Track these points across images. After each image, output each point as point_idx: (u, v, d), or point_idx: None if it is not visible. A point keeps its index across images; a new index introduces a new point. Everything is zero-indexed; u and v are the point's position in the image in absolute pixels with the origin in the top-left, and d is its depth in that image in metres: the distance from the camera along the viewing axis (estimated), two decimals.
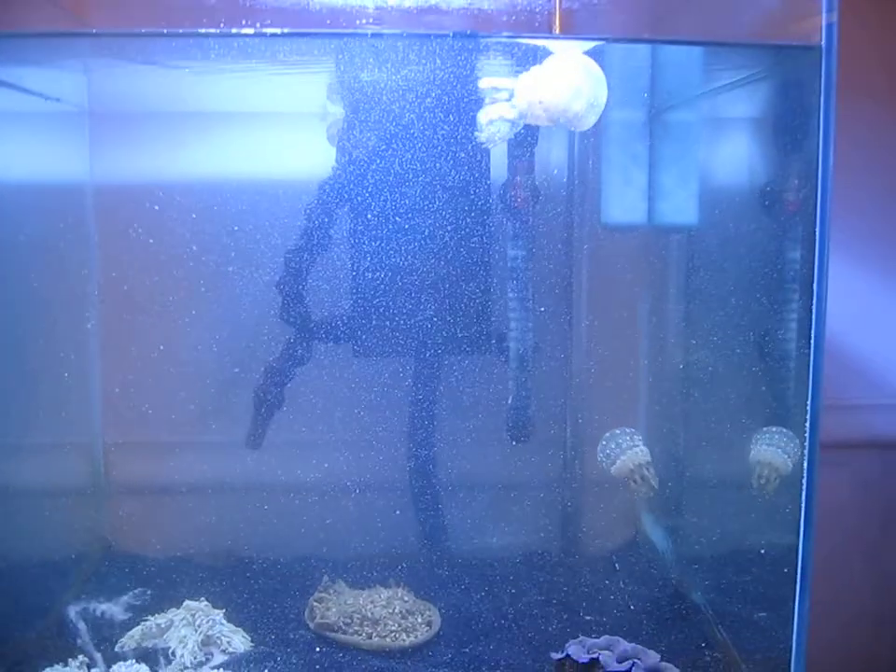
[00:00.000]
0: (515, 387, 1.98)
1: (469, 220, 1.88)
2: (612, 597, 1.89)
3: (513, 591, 1.91)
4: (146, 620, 1.72)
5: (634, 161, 2.03)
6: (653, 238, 2.09)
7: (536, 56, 1.56)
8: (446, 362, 1.98)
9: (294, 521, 2.00)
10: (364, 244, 1.88)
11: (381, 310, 1.90)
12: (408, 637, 1.71)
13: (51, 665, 1.54)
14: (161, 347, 1.97)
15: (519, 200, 1.92)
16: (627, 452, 1.85)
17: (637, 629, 1.70)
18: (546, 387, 2.03)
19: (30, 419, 1.86)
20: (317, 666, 1.64)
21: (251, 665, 1.61)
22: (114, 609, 1.80)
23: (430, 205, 1.85)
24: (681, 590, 1.94)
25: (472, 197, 1.87)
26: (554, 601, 1.88)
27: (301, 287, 1.91)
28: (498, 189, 1.91)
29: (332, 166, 1.88)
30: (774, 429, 1.55)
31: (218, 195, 1.94)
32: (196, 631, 1.68)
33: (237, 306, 1.96)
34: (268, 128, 1.98)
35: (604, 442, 1.88)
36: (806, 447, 1.40)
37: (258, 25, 1.42)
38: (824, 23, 1.28)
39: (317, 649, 1.70)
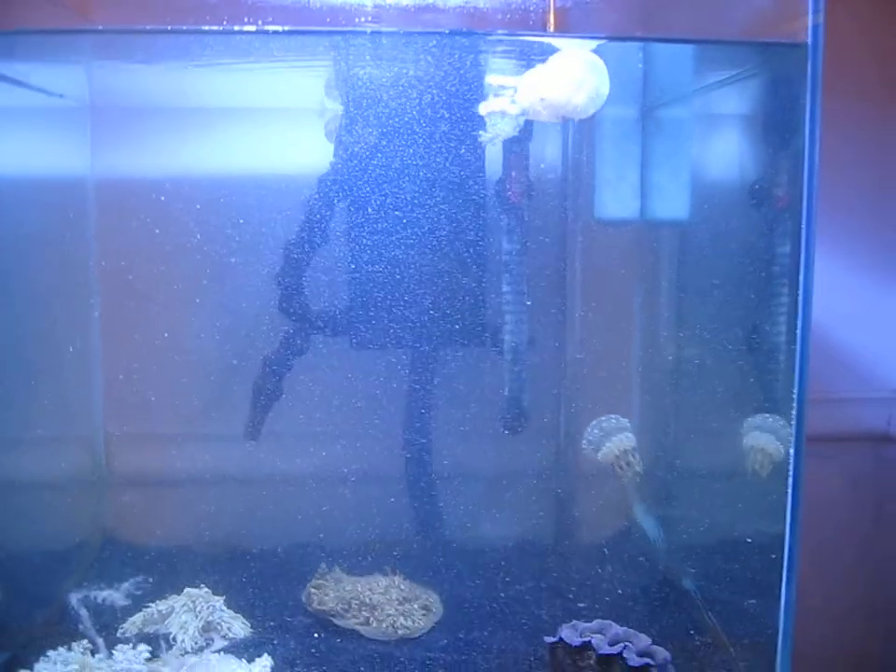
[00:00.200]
0: (510, 379, 2.00)
1: (464, 215, 1.90)
2: (605, 584, 1.91)
3: (508, 578, 1.93)
4: (147, 606, 1.75)
5: (626, 157, 2.05)
6: (646, 232, 2.12)
7: (537, 53, 1.59)
8: (442, 354, 2.00)
9: (292, 510, 2.03)
10: (361, 237, 1.90)
11: (378, 303, 1.92)
12: (406, 620, 1.74)
13: (55, 649, 1.56)
14: (165, 335, 1.99)
15: (513, 195, 1.94)
16: (612, 438, 1.87)
17: (628, 615, 1.72)
18: (540, 379, 2.05)
19: (33, 411, 1.87)
20: (315, 651, 1.67)
21: (251, 650, 1.63)
22: (115, 596, 1.83)
23: (426, 200, 1.87)
24: (672, 577, 1.97)
25: (467, 192, 1.89)
26: (548, 588, 1.91)
27: (299, 280, 1.93)
28: (493, 184, 1.93)
29: (330, 161, 1.90)
30: (767, 416, 1.56)
31: (218, 189, 1.96)
32: (197, 617, 1.70)
33: (237, 299, 1.98)
34: (267, 124, 2.00)
35: (589, 429, 1.91)
36: (793, 435, 1.42)
37: (259, 23, 1.45)
38: (810, 22, 1.31)
39: (315, 634, 1.73)
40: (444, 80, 1.74)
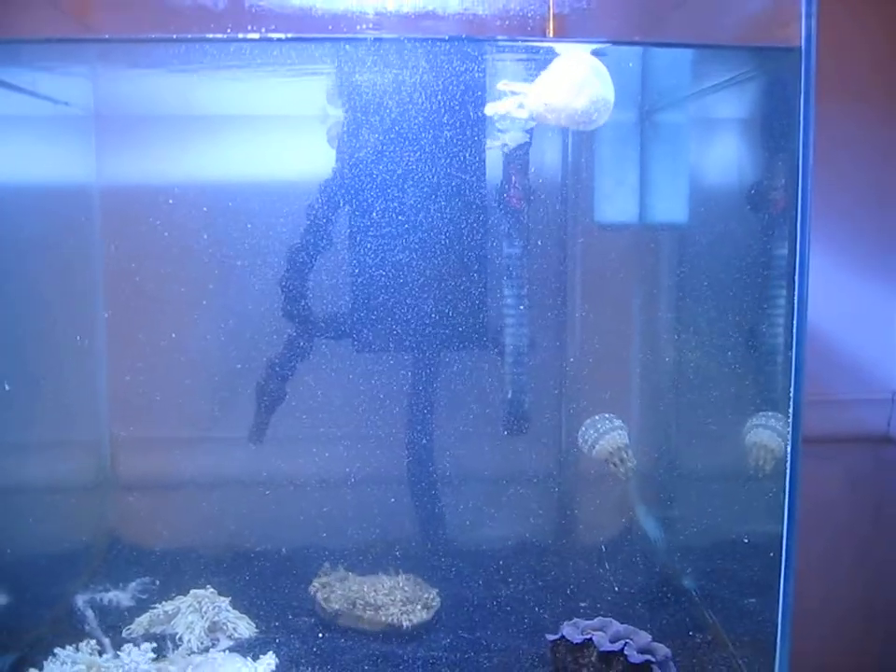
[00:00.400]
0: (511, 381, 2.02)
1: (465, 219, 1.92)
2: (606, 583, 1.93)
3: (510, 578, 1.95)
4: (153, 607, 1.77)
5: (626, 161, 2.07)
6: (645, 236, 2.14)
7: (540, 58, 1.61)
8: (444, 357, 2.02)
9: (296, 512, 2.04)
10: (363, 242, 1.92)
11: (381, 307, 1.94)
12: (408, 618, 1.75)
13: (64, 648, 1.58)
14: (170, 339, 2.01)
15: (514, 199, 1.96)
16: (606, 436, 1.89)
17: (629, 613, 1.74)
18: (541, 381, 2.07)
19: (40, 415, 1.89)
20: (319, 650, 1.69)
21: (256, 649, 1.65)
22: (121, 597, 1.85)
23: (428, 205, 1.89)
24: (672, 576, 1.99)
25: (469, 197, 1.91)
26: (550, 587, 1.92)
27: (303, 284, 1.95)
28: (494, 188, 1.95)
29: (332, 167, 1.92)
30: (770, 413, 1.57)
31: (221, 196, 1.99)
32: (203, 617, 1.72)
33: (241, 304, 1.99)
34: (270, 130, 2.02)
35: (583, 428, 1.93)
36: (790, 434, 1.43)
37: (263, 30, 1.47)
38: (803, 26, 1.33)
39: (320, 634, 1.75)
40: (444, 86, 1.76)
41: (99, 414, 2.13)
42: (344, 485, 2.02)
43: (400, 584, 1.84)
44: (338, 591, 1.80)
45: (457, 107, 1.80)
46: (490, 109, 1.59)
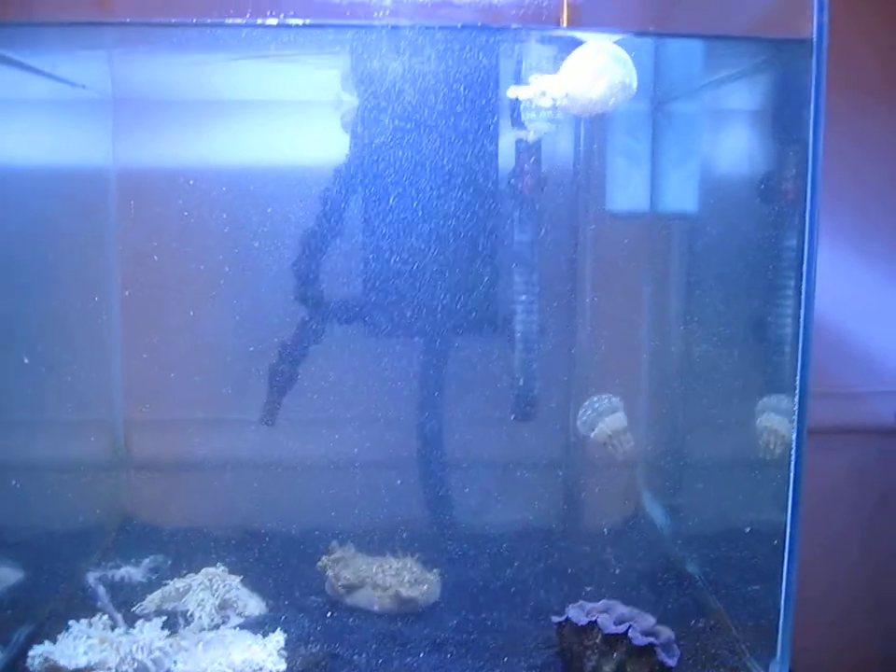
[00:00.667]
0: (520, 367, 2.04)
1: (478, 206, 1.93)
2: (611, 568, 1.95)
3: (517, 561, 1.97)
4: (165, 584, 1.79)
5: (637, 151, 2.08)
6: (655, 225, 2.15)
7: (558, 47, 1.62)
8: (454, 342, 2.04)
9: (307, 493, 2.07)
10: (376, 227, 1.93)
11: (393, 291, 1.96)
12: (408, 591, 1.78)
13: (78, 621, 1.61)
14: (184, 322, 2.04)
15: (526, 187, 1.97)
16: (605, 419, 1.91)
17: (634, 597, 1.75)
18: (550, 368, 2.09)
19: (55, 395, 1.92)
20: (327, 629, 1.71)
21: (265, 627, 1.67)
22: (134, 574, 1.87)
23: (440, 192, 1.90)
24: (677, 561, 2.01)
25: (481, 183, 1.92)
26: (556, 571, 1.94)
27: (316, 268, 1.97)
28: (507, 176, 1.96)
29: (346, 153, 1.93)
30: (784, 397, 1.56)
31: (236, 180, 2.01)
32: (213, 595, 1.74)
33: (255, 287, 2.02)
34: (285, 116, 2.04)
35: (583, 410, 1.95)
36: (795, 422, 1.44)
37: (281, 16, 1.48)
38: (815, 18, 1.34)
39: (328, 613, 1.77)
40: (458, 74, 1.77)
41: (113, 396, 2.15)
42: (354, 467, 2.04)
43: (408, 566, 1.86)
44: (347, 568, 1.82)
45: (471, 95, 1.81)
46: (512, 92, 1.60)
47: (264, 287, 2.02)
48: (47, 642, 1.53)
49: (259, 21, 1.49)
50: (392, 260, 1.94)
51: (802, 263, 1.41)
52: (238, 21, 1.50)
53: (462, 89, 1.80)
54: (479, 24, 1.69)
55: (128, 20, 1.54)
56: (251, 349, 2.04)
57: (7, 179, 1.73)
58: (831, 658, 2.33)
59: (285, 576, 1.90)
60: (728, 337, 1.89)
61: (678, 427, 2.15)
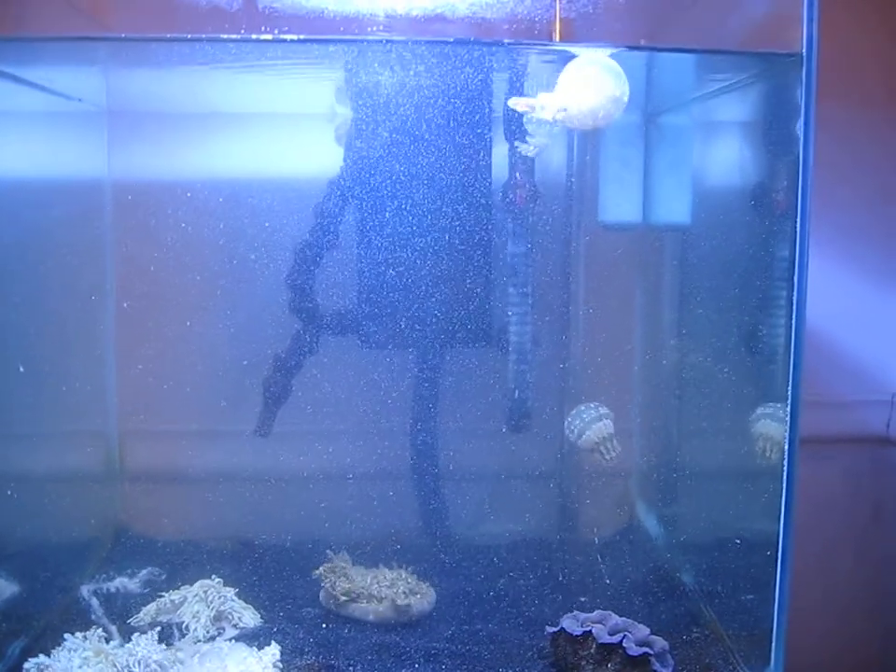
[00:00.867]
0: (514, 379, 2.04)
1: (471, 218, 1.94)
2: (606, 578, 1.95)
3: (511, 572, 1.97)
4: (161, 596, 1.79)
5: (630, 163, 2.09)
6: (648, 236, 2.16)
7: (551, 61, 1.63)
8: (448, 354, 2.04)
9: (301, 505, 2.07)
10: (370, 240, 1.94)
11: (387, 303, 1.96)
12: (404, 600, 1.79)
13: (73, 634, 1.60)
14: (179, 333, 2.04)
15: (519, 199, 1.98)
16: (592, 426, 1.92)
17: (628, 607, 1.76)
18: (544, 379, 2.09)
19: (49, 408, 1.91)
20: (323, 641, 1.71)
21: (261, 639, 1.66)
22: (129, 587, 1.87)
23: (434, 204, 1.91)
24: (671, 571, 2.01)
25: (475, 196, 1.93)
26: (550, 581, 1.94)
27: (310, 280, 1.98)
28: (500, 188, 1.97)
29: (340, 165, 1.94)
30: (779, 405, 1.58)
31: (230, 192, 2.01)
32: (209, 607, 1.74)
33: (250, 299, 2.02)
34: (279, 128, 2.04)
35: (570, 418, 1.96)
36: (787, 432, 1.45)
37: (276, 31, 1.49)
38: (804, 31, 1.35)
39: (323, 625, 1.77)
40: (451, 88, 1.78)
41: (108, 407, 2.15)
42: (348, 479, 2.04)
43: (403, 577, 1.86)
44: (342, 579, 1.83)
45: (464, 109, 1.82)
46: (513, 102, 1.61)
47: (259, 299, 2.03)
48: (41, 655, 1.53)
49: (255, 36, 1.50)
50: (386, 272, 1.94)
51: (793, 274, 1.42)
52: (233, 36, 1.51)
53: (455, 102, 1.81)
54: (472, 39, 1.71)
55: (123, 35, 1.54)
56: (245, 361, 2.05)
57: (3, 191, 1.73)
58: (824, 666, 2.33)
59: (279, 587, 1.91)
60: (720, 348, 1.89)
61: (671, 438, 2.16)
